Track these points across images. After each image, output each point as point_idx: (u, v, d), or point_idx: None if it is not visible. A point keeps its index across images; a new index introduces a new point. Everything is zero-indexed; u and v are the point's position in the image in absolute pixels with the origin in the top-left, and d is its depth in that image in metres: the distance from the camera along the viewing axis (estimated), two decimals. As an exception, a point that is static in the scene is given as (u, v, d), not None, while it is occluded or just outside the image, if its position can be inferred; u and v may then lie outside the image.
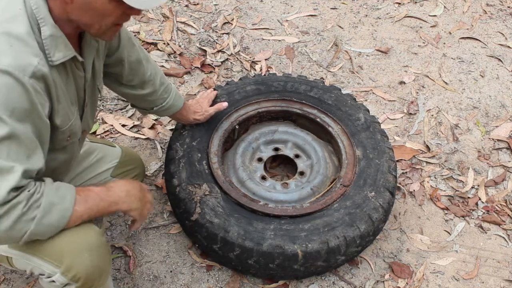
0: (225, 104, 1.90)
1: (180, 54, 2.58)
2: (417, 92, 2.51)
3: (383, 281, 1.80)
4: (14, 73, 1.01)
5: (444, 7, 3.04)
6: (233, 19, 2.82)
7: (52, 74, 1.11)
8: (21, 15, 1.06)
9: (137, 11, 1.12)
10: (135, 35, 2.65)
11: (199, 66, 2.52)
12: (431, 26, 2.90)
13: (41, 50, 1.09)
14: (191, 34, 2.72)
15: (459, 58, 2.72)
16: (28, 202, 1.06)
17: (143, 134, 2.21)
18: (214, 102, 1.93)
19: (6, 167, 1.03)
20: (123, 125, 2.23)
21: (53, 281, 1.23)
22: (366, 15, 2.95)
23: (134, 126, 2.24)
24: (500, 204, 2.07)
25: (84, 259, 1.21)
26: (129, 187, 1.31)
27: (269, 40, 2.74)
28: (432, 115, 2.41)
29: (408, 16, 2.95)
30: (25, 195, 1.05)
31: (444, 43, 2.80)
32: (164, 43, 2.62)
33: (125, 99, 2.08)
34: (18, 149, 1.05)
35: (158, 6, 1.14)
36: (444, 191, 2.10)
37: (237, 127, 1.94)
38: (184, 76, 2.49)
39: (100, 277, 1.29)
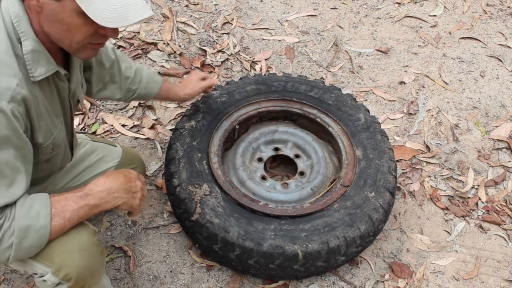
0: (215, 79, 1.88)
1: (180, 54, 2.58)
2: (417, 92, 2.51)
3: (383, 281, 1.80)
4: None
5: (444, 7, 3.04)
6: (233, 19, 2.82)
7: (33, 91, 1.09)
8: (0, 29, 1.03)
9: (112, 32, 1.06)
10: (134, 35, 2.65)
11: (199, 66, 2.52)
12: (431, 26, 2.90)
13: (22, 66, 1.06)
14: (191, 34, 2.72)
15: (459, 58, 2.72)
16: (1, 230, 1.05)
17: (143, 134, 2.21)
18: (212, 104, 1.93)
19: None
20: (123, 125, 2.23)
21: (45, 280, 1.24)
22: (366, 15, 2.95)
23: (134, 126, 2.24)
24: (500, 204, 2.07)
25: (75, 258, 1.20)
26: (110, 184, 1.22)
27: (269, 40, 2.74)
28: (432, 115, 2.41)
29: (408, 16, 2.95)
30: None
31: (444, 43, 2.80)
32: (164, 43, 2.62)
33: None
34: None
35: (130, 25, 1.08)
36: (444, 191, 2.10)
37: (237, 127, 1.94)
38: (184, 76, 2.49)
39: (92, 277, 1.29)
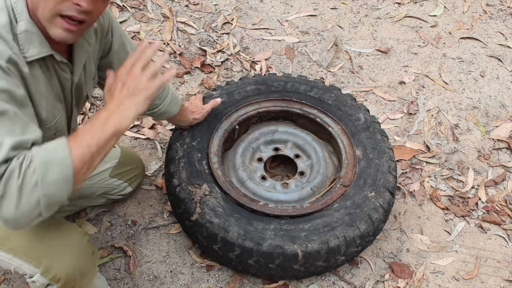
0: (218, 100, 1.90)
1: (180, 54, 2.58)
2: (417, 92, 2.51)
3: (383, 281, 1.80)
4: None
5: (444, 7, 3.04)
6: (233, 19, 2.82)
7: (30, 69, 1.09)
8: (3, 9, 1.06)
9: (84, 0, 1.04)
10: (134, 35, 2.65)
11: (199, 66, 2.52)
12: (431, 26, 2.90)
13: (16, 43, 1.07)
14: (191, 34, 2.72)
15: (459, 58, 2.72)
16: (21, 169, 0.98)
17: (143, 134, 2.21)
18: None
19: None
20: (123, 125, 2.23)
21: (34, 281, 1.23)
22: (366, 15, 2.95)
23: (134, 126, 2.24)
24: (500, 204, 2.07)
25: (63, 259, 1.20)
26: (116, 102, 1.12)
27: (269, 40, 2.74)
28: (432, 115, 2.41)
29: (408, 16, 2.95)
30: (15, 164, 0.98)
31: (444, 43, 2.80)
32: (164, 43, 2.62)
33: None
34: (6, 125, 1.00)
35: None
36: (444, 191, 2.10)
37: (237, 127, 1.94)
38: (184, 76, 2.49)
39: (82, 278, 1.28)
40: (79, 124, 2.19)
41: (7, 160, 0.97)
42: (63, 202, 1.05)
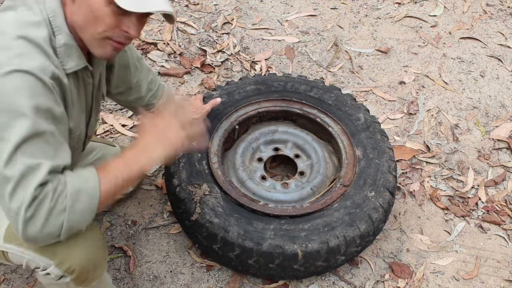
0: (218, 99, 1.90)
1: (180, 54, 2.59)
2: (417, 92, 2.51)
3: (383, 281, 1.80)
4: (36, 73, 1.03)
5: (444, 7, 3.04)
6: (233, 19, 2.82)
7: (67, 80, 1.14)
8: (40, 22, 1.09)
9: (134, 29, 1.11)
10: (135, 35, 2.64)
11: (199, 66, 2.52)
12: (431, 26, 2.90)
13: (56, 57, 1.12)
14: (191, 34, 2.72)
15: (459, 58, 2.72)
16: (54, 194, 1.04)
17: (143, 134, 2.21)
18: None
19: (32, 165, 1.03)
20: (123, 125, 2.23)
21: (49, 273, 1.24)
22: (366, 15, 2.95)
23: (134, 126, 2.24)
24: (500, 204, 2.07)
25: (78, 251, 1.21)
26: (148, 145, 1.20)
27: (269, 40, 2.74)
28: (432, 115, 2.41)
29: (408, 16, 2.96)
30: (50, 188, 1.04)
31: (444, 43, 2.80)
32: (164, 43, 2.63)
33: None
34: (44, 146, 1.05)
35: (157, 13, 1.13)
36: (444, 191, 2.10)
37: (237, 127, 1.94)
38: (184, 76, 2.49)
39: (95, 270, 1.29)
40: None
41: (43, 184, 1.03)
42: (81, 231, 1.14)
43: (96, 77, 1.32)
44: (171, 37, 2.67)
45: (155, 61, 2.54)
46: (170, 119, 1.24)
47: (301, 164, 1.96)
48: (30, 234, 1.05)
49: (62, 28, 1.11)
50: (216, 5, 2.92)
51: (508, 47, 2.80)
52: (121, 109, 2.31)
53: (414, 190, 2.09)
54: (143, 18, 1.14)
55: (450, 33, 2.87)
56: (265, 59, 2.61)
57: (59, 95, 1.10)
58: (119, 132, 2.20)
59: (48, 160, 1.05)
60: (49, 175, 1.04)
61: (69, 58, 1.14)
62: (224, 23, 2.81)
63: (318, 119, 1.95)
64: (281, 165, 2.13)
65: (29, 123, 1.01)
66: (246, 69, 2.56)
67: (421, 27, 2.89)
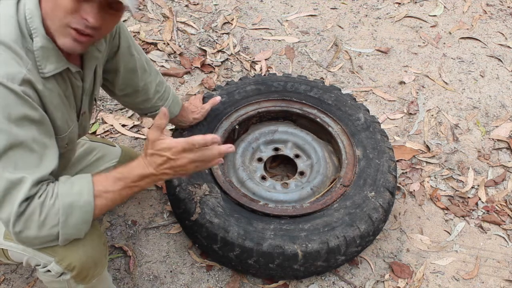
0: (218, 98, 1.90)
1: (180, 54, 2.59)
2: (417, 92, 2.51)
3: (383, 281, 1.80)
4: (3, 82, 0.99)
5: (444, 7, 3.04)
6: (233, 19, 2.82)
7: (46, 84, 1.10)
8: (11, 22, 1.05)
9: (92, 16, 1.03)
10: (134, 36, 2.65)
11: (199, 66, 2.52)
12: (431, 26, 2.90)
13: (33, 61, 1.08)
14: (191, 34, 2.72)
15: (459, 58, 2.72)
16: (43, 208, 1.04)
17: (143, 134, 2.21)
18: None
19: (15, 180, 1.01)
20: (123, 125, 2.23)
21: (49, 270, 1.24)
22: (366, 15, 2.95)
23: (134, 126, 2.24)
24: (500, 204, 2.07)
25: (78, 248, 1.21)
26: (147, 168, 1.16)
27: (269, 40, 2.74)
28: (432, 115, 2.41)
29: (408, 16, 2.95)
30: (36, 203, 1.03)
31: (444, 43, 2.80)
32: (164, 43, 2.62)
33: None
34: (25, 156, 1.03)
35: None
36: (444, 191, 2.10)
37: (237, 127, 1.94)
38: (184, 76, 2.49)
39: (96, 267, 1.29)
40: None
41: (28, 198, 1.03)
42: (80, 237, 1.16)
43: (87, 80, 1.28)
44: (171, 37, 2.67)
45: (155, 61, 2.54)
46: (190, 161, 1.16)
47: (301, 164, 1.96)
48: (25, 242, 1.07)
49: (39, 30, 1.07)
50: (216, 5, 2.92)
51: (508, 47, 2.80)
52: (121, 109, 2.31)
53: (414, 190, 2.09)
54: (105, 8, 1.06)
55: (450, 33, 2.87)
56: (265, 59, 2.61)
57: (35, 100, 1.06)
58: (119, 132, 2.20)
59: (32, 171, 1.03)
60: (34, 187, 1.03)
61: (47, 61, 1.09)
62: (224, 23, 2.81)
63: (318, 119, 1.95)
64: (281, 165, 2.13)
65: (4, 136, 0.99)
66: (246, 69, 2.56)
67: (421, 27, 2.89)
